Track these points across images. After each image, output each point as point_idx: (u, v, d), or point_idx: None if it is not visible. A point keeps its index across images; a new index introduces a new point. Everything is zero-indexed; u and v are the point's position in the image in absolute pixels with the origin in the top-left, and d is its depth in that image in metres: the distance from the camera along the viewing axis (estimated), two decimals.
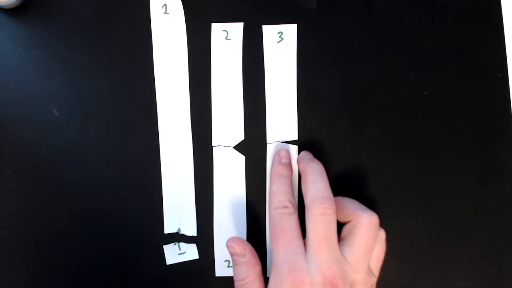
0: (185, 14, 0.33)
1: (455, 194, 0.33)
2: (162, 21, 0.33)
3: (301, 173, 0.31)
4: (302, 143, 0.33)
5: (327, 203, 0.27)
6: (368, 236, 0.28)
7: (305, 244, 0.28)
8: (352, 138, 0.33)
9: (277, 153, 0.32)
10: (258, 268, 0.29)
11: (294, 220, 0.28)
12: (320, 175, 0.29)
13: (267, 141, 0.33)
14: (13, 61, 0.33)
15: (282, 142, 0.33)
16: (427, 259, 0.32)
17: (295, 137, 0.33)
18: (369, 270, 0.28)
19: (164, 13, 0.33)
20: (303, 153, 0.32)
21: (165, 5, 0.33)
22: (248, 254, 0.29)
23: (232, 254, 0.30)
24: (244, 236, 0.33)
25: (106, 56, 0.33)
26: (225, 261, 0.33)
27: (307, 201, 0.28)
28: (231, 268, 0.33)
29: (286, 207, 0.29)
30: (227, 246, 0.30)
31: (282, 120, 0.33)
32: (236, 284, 0.29)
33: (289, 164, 0.32)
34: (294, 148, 0.33)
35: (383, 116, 0.33)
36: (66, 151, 0.32)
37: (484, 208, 0.33)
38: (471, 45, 0.33)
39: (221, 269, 0.33)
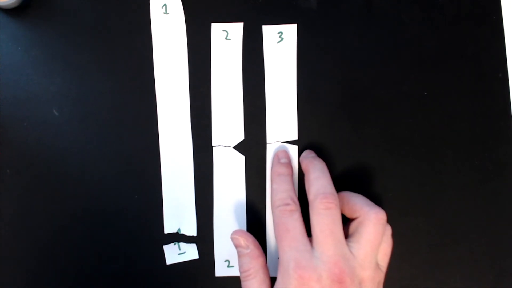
0: (185, 14, 0.33)
1: (455, 194, 0.33)
2: (162, 21, 0.33)
3: (304, 171, 0.31)
4: (302, 143, 0.33)
5: (330, 198, 0.28)
6: (376, 232, 0.28)
7: (311, 242, 0.28)
8: (352, 138, 0.33)
9: (275, 155, 0.32)
10: (261, 259, 0.30)
11: (297, 217, 0.28)
12: (322, 172, 0.29)
13: (267, 141, 0.33)
14: (13, 61, 0.33)
15: (282, 142, 0.33)
16: (427, 259, 0.32)
17: (295, 137, 0.33)
18: (377, 266, 0.28)
19: (164, 13, 0.33)
20: (305, 152, 0.32)
21: (165, 5, 0.33)
22: (251, 246, 0.30)
23: (236, 246, 0.30)
24: None
25: (106, 56, 0.33)
26: (225, 261, 0.33)
27: (310, 197, 0.28)
28: (231, 268, 0.33)
29: (287, 204, 0.29)
30: (231, 238, 0.30)
31: (282, 120, 0.33)
32: (241, 276, 0.30)
33: (289, 164, 0.32)
34: (294, 148, 0.33)
35: (383, 116, 0.33)
36: (66, 151, 0.32)
37: (484, 208, 0.33)
38: (471, 45, 0.33)
39: (221, 269, 0.33)
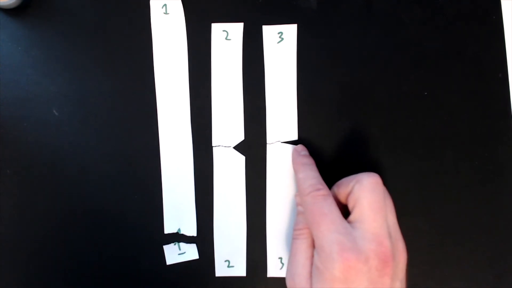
0: (185, 14, 0.33)
1: (455, 194, 0.33)
2: (162, 21, 0.33)
3: (294, 171, 0.31)
4: (302, 143, 0.33)
5: (318, 186, 0.28)
6: (376, 197, 0.27)
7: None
8: (352, 138, 0.33)
9: (294, 149, 0.32)
10: None
11: (331, 201, 0.27)
12: (311, 170, 0.30)
13: (267, 141, 0.33)
14: (13, 61, 0.33)
15: (282, 142, 0.33)
16: (427, 259, 0.32)
17: (295, 137, 0.33)
18: (389, 235, 0.27)
19: (164, 13, 0.33)
20: (294, 152, 0.32)
21: (165, 5, 0.33)
22: None
23: (297, 204, 0.31)
24: (244, 236, 0.33)
25: (106, 56, 0.33)
26: (225, 261, 0.33)
27: (303, 193, 0.28)
28: (231, 268, 0.33)
29: (319, 189, 0.28)
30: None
31: (282, 120, 0.33)
32: (294, 233, 0.30)
33: (309, 155, 0.31)
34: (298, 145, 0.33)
35: (383, 116, 0.33)
36: (66, 151, 0.32)
37: (484, 208, 0.33)
38: (471, 45, 0.33)
39: (221, 269, 0.33)
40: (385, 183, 0.33)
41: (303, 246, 0.28)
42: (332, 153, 0.33)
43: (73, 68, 0.33)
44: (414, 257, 0.32)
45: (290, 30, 0.33)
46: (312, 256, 0.28)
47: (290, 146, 0.33)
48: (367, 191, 0.27)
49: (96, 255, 0.32)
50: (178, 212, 0.33)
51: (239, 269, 0.33)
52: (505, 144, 0.33)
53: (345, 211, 0.28)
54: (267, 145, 0.33)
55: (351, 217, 0.27)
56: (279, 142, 0.33)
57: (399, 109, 0.33)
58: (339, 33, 0.33)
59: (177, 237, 0.33)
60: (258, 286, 0.33)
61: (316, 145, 0.33)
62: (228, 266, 0.33)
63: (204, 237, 0.33)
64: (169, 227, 0.33)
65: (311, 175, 0.29)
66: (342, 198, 0.29)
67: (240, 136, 0.33)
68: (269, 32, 0.33)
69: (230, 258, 0.33)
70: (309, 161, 0.31)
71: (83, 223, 0.32)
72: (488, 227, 0.32)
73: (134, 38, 0.33)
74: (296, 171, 0.31)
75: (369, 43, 0.33)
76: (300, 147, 0.32)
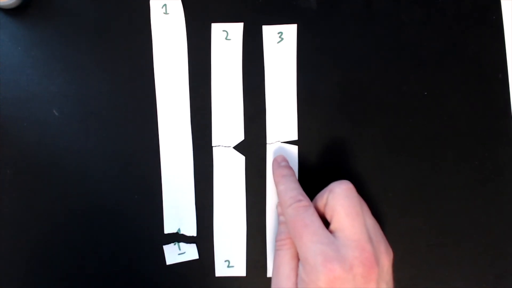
0: (185, 14, 0.33)
1: (455, 194, 0.33)
2: (162, 21, 0.33)
3: (274, 183, 0.31)
4: (302, 143, 0.33)
5: (299, 197, 0.28)
6: (349, 201, 0.27)
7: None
8: (352, 138, 0.33)
9: (274, 160, 0.32)
10: None
11: (312, 211, 0.27)
12: (291, 182, 0.29)
13: (267, 141, 0.33)
14: (13, 61, 0.33)
15: (282, 142, 0.33)
16: (427, 259, 0.32)
17: (295, 137, 0.33)
18: (370, 239, 0.27)
19: (164, 13, 0.33)
20: (274, 163, 0.32)
21: (165, 5, 0.33)
22: None
23: (279, 214, 0.31)
24: (244, 236, 0.33)
25: (106, 56, 0.33)
26: (225, 261, 0.33)
27: (285, 206, 0.28)
28: (231, 268, 0.33)
29: (300, 200, 0.28)
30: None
31: (282, 120, 0.33)
32: (276, 244, 0.29)
33: (289, 166, 0.31)
34: (294, 148, 0.33)
35: (383, 116, 0.33)
36: (66, 151, 0.32)
37: (484, 208, 0.33)
38: (471, 45, 0.33)
39: (221, 269, 0.33)
40: (385, 183, 0.33)
41: (286, 258, 0.28)
42: (331, 153, 0.33)
43: (73, 68, 0.33)
44: (414, 257, 0.33)
45: (290, 30, 0.33)
46: (297, 267, 0.28)
47: (290, 146, 0.33)
48: (341, 198, 0.27)
49: (96, 255, 0.32)
50: (178, 212, 0.33)
51: (239, 269, 0.33)
52: (505, 144, 0.33)
53: (326, 224, 0.28)
54: (267, 145, 0.33)
55: (331, 227, 0.27)
56: (279, 142, 0.33)
57: (399, 109, 0.33)
58: (339, 33, 0.33)
59: (177, 237, 0.33)
60: (258, 286, 0.33)
61: (316, 145, 0.33)
62: (228, 266, 0.33)
63: (204, 237, 0.33)
64: (169, 227, 0.33)
65: (292, 186, 0.29)
66: (320, 211, 0.29)
67: (240, 136, 0.33)
68: (269, 32, 0.33)
69: (230, 258, 0.33)
70: (289, 172, 0.30)
71: (83, 223, 0.32)
72: (488, 227, 0.32)
73: (134, 38, 0.33)
74: (276, 183, 0.30)
75: (369, 43, 0.33)
76: (280, 157, 0.32)
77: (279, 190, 0.30)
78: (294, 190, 0.29)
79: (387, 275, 0.27)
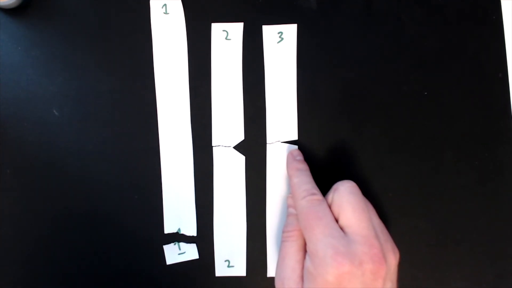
0: (185, 14, 0.33)
1: (455, 194, 0.33)
2: (162, 21, 0.33)
3: (288, 175, 0.31)
4: (302, 143, 0.33)
5: (313, 191, 0.28)
6: (354, 197, 0.27)
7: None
8: (352, 138, 0.33)
9: (289, 153, 0.32)
10: None
11: (325, 206, 0.27)
12: (305, 176, 0.29)
13: (267, 141, 0.33)
14: (13, 61, 0.33)
15: (282, 142, 0.33)
16: (427, 259, 0.32)
17: (295, 137, 0.33)
18: (376, 236, 0.27)
19: (164, 13, 0.33)
20: (289, 156, 0.32)
21: (165, 5, 0.33)
22: None
23: (288, 206, 0.30)
24: (244, 236, 0.33)
25: (106, 56, 0.33)
26: (225, 261, 0.33)
27: (298, 198, 0.28)
28: (231, 268, 0.33)
29: (314, 194, 0.28)
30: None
31: (282, 120, 0.33)
32: (283, 235, 0.29)
33: (304, 160, 0.31)
34: (294, 148, 0.33)
35: (383, 116, 0.33)
36: (66, 151, 0.32)
37: (484, 208, 0.33)
38: (471, 45, 0.33)
39: (221, 269, 0.33)
40: (385, 183, 0.33)
41: (292, 249, 0.28)
42: (332, 153, 0.33)
43: (73, 68, 0.33)
44: (414, 257, 0.33)
45: (290, 30, 0.33)
46: (303, 259, 0.28)
47: (290, 146, 0.33)
48: (346, 195, 0.27)
49: (96, 255, 0.32)
50: (178, 212, 0.33)
51: (239, 269, 0.33)
52: (505, 144, 0.33)
53: None
54: (267, 145, 0.33)
55: (338, 224, 0.27)
56: (279, 142, 0.33)
57: (399, 109, 0.33)
58: (339, 33, 0.33)
59: (177, 237, 0.33)
60: (258, 286, 0.33)
61: (316, 145, 0.33)
62: (228, 266, 0.33)
63: (204, 237, 0.33)
64: (169, 227, 0.33)
65: (306, 180, 0.29)
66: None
67: (240, 136, 0.33)
68: (269, 32, 0.33)
69: (230, 258, 0.33)
70: (304, 166, 0.31)
71: (83, 223, 0.32)
72: (488, 227, 0.32)
73: (134, 38, 0.33)
74: (290, 176, 0.31)
75: (369, 43, 0.33)
76: (296, 151, 0.32)
77: (293, 183, 0.30)
78: (308, 183, 0.29)
79: (393, 274, 0.27)
